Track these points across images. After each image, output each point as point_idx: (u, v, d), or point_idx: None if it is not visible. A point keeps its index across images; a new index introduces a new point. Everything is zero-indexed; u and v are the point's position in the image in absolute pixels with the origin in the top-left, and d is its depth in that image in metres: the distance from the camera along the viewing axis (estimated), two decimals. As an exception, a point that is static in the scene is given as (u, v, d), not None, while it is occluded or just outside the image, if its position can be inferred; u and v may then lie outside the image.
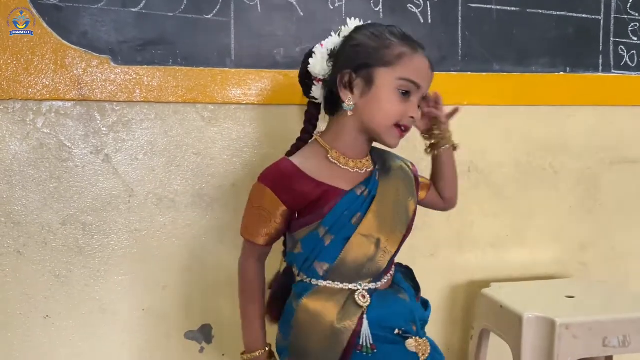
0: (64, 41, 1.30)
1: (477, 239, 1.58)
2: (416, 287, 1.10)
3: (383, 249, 1.01)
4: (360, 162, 1.05)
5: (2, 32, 1.28)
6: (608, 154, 1.64)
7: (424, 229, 1.49)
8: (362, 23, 1.06)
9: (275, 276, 1.11)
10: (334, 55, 1.03)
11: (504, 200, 1.58)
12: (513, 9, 1.54)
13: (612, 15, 1.61)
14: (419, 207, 1.14)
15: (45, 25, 1.29)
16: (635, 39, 1.63)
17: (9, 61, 1.28)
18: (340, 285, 1.00)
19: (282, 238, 1.09)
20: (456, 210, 1.53)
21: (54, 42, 1.30)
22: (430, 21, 1.49)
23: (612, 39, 1.61)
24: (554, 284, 1.54)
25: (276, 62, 1.40)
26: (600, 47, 1.61)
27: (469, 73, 1.52)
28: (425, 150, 1.20)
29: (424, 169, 1.23)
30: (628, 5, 1.62)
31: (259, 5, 1.39)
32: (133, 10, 1.33)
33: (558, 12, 1.57)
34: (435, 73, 1.48)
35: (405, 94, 0.99)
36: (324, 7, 1.42)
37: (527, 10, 1.55)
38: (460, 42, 1.51)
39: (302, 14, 1.41)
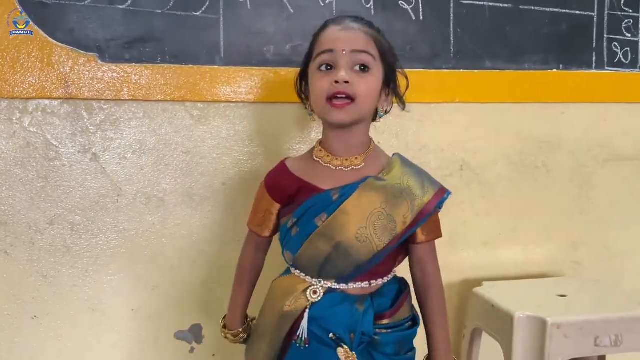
0: (50, 39, 1.29)
1: (469, 237, 1.57)
2: (395, 302, 1.05)
3: (344, 254, 1.00)
4: (347, 160, 1.04)
5: (-13, 30, 1.26)
6: (601, 151, 1.63)
7: (415, 227, 1.48)
8: None
9: None
10: None
11: (497, 198, 1.57)
12: (505, 5, 1.52)
13: (606, 12, 1.60)
14: None
15: (31, 22, 1.28)
16: (629, 35, 1.62)
17: (-5, 59, 1.27)
18: (304, 277, 1.04)
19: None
20: (448, 209, 1.52)
21: (40, 39, 1.28)
22: (422, 18, 1.47)
23: (605, 35, 1.60)
24: (547, 282, 1.53)
25: (266, 60, 1.39)
26: (594, 44, 1.59)
27: (461, 70, 1.50)
28: None
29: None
30: (622, 2, 1.60)
31: (248, 2, 1.37)
32: (120, 7, 1.31)
33: (551, 9, 1.55)
34: (427, 71, 1.49)
35: (327, 68, 1.00)
36: (314, 4, 1.40)
37: (520, 6, 1.53)
38: (452, 39, 1.50)
39: (292, 10, 1.40)
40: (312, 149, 1.09)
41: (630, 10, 1.61)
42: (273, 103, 1.40)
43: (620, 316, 1.26)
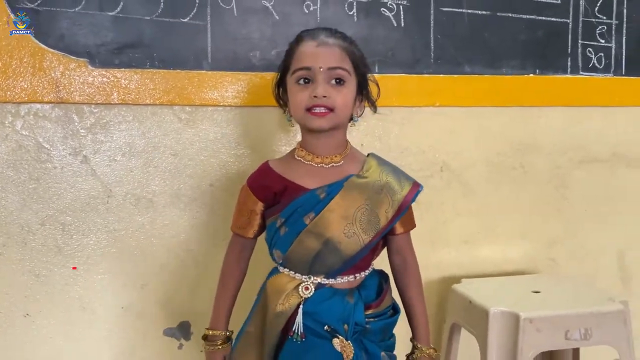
0: (41, 44, 1.32)
1: (449, 236, 1.62)
2: (379, 293, 1.13)
3: (333, 250, 1.06)
4: (327, 157, 1.10)
5: (-21, 36, 1.29)
6: (576, 153, 1.69)
7: (397, 227, 1.53)
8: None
9: None
10: None
11: (476, 198, 1.63)
12: (484, 12, 1.58)
13: (581, 19, 1.66)
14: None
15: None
16: (603, 41, 1.68)
17: (-13, 64, 1.31)
18: (293, 275, 1.10)
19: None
20: (429, 208, 1.58)
21: (31, 45, 1.32)
22: (403, 24, 1.52)
23: (580, 41, 1.66)
24: (523, 279, 1.59)
25: (252, 65, 1.43)
26: (569, 50, 1.65)
27: (441, 75, 1.56)
28: None
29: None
30: (596, 9, 1.66)
31: (235, 9, 1.42)
32: (110, 13, 1.35)
33: (528, 16, 1.61)
34: (408, 75, 1.54)
35: (305, 81, 1.06)
36: (299, 11, 1.45)
37: (498, 13, 1.59)
38: (432, 45, 1.55)
39: (277, 17, 1.44)
40: (293, 150, 1.15)
41: (604, 17, 1.68)
42: (259, 107, 1.44)
43: (590, 311, 1.32)
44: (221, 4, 1.41)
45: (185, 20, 1.39)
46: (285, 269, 1.11)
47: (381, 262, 1.19)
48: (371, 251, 1.12)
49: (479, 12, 1.57)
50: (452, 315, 1.50)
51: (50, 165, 1.36)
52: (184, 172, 1.43)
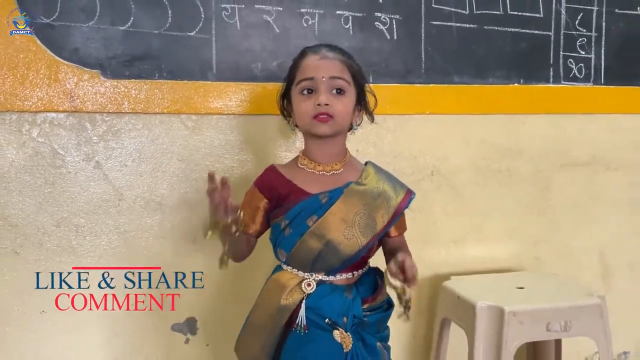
0: (56, 57, 1.40)
1: (440, 236, 1.71)
2: (374, 289, 1.21)
3: (333, 250, 1.15)
4: (328, 165, 1.20)
5: (-1, 49, 1.37)
6: (558, 157, 1.79)
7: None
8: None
9: None
10: None
11: (464, 201, 1.72)
12: (471, 26, 1.67)
13: (562, 32, 1.75)
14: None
15: (39, 42, 1.39)
16: (583, 52, 1.78)
17: (6, 76, 1.38)
18: (297, 272, 1.19)
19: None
20: (421, 210, 1.67)
21: (47, 58, 1.40)
22: (395, 37, 1.62)
23: (562, 53, 1.76)
24: (509, 276, 1.68)
25: (254, 76, 1.52)
26: (551, 61, 1.75)
27: (432, 85, 1.65)
28: (399, 316, 1.15)
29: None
30: (576, 22, 1.76)
31: (238, 23, 1.50)
32: (121, 28, 1.44)
33: (512, 29, 1.71)
34: (400, 85, 1.63)
35: (309, 92, 1.16)
36: (298, 25, 1.54)
37: (484, 27, 1.68)
38: (423, 56, 1.64)
39: (277, 30, 1.53)
40: (296, 158, 1.24)
41: (584, 30, 1.78)
42: (261, 115, 1.53)
43: (569, 305, 1.42)
44: (225, 18, 1.49)
45: (192, 33, 1.48)
46: (289, 267, 1.20)
47: (377, 260, 1.28)
48: (368, 251, 1.21)
49: (467, 25, 1.67)
50: (442, 310, 1.60)
51: (65, 171, 1.44)
52: (190, 176, 1.51)
